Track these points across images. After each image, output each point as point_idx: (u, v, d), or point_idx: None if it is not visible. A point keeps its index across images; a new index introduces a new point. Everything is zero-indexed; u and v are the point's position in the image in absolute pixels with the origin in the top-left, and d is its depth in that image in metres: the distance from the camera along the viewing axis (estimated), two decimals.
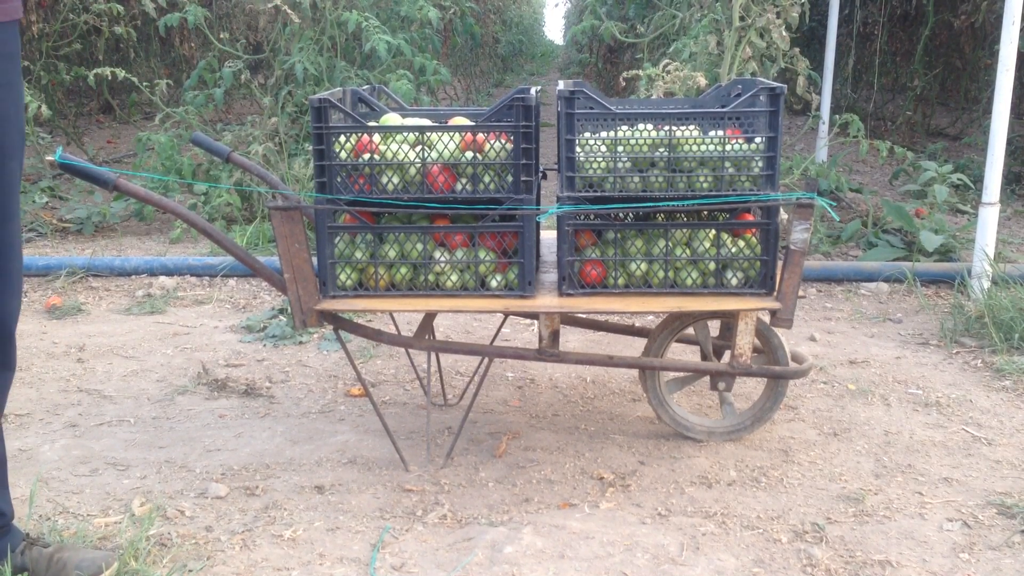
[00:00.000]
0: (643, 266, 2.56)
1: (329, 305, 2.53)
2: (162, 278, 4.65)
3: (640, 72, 4.77)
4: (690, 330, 2.92)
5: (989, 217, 3.97)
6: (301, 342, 3.79)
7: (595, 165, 2.49)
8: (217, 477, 2.66)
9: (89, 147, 7.85)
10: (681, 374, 2.92)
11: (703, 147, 2.47)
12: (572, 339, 3.79)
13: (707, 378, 2.89)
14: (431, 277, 2.55)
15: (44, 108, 5.41)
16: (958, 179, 5.52)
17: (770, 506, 2.48)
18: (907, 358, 3.59)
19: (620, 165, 2.48)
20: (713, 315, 2.73)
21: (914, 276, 4.42)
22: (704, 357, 2.84)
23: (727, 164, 2.47)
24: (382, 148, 2.49)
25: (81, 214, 5.57)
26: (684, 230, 2.56)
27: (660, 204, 2.48)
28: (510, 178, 2.47)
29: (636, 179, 2.48)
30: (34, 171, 7.02)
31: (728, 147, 2.46)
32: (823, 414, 3.07)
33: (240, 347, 3.74)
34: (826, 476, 2.65)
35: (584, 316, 3.17)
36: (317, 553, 2.27)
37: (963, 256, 4.73)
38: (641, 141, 2.47)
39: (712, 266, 2.56)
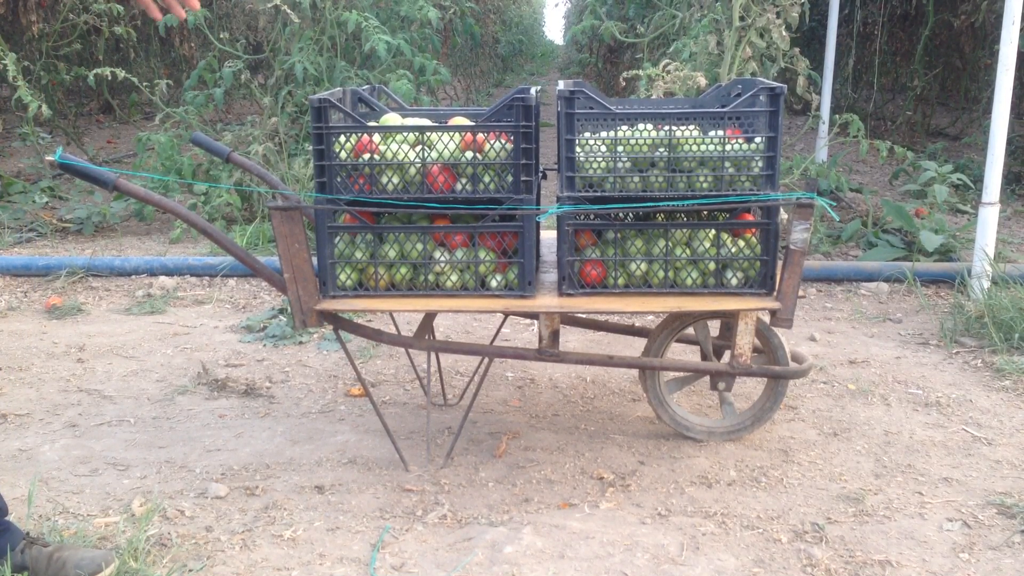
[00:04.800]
0: (643, 266, 2.56)
1: (329, 305, 2.53)
2: (162, 278, 4.65)
3: (640, 72, 4.77)
4: (690, 330, 2.92)
5: (989, 217, 3.97)
6: (301, 342, 3.79)
7: (595, 165, 2.49)
8: (217, 477, 2.66)
9: (89, 147, 7.85)
10: (681, 374, 2.92)
11: (703, 147, 2.47)
12: (572, 339, 3.79)
13: (707, 378, 2.89)
14: (431, 277, 2.55)
15: (44, 108, 5.41)
16: (958, 179, 5.52)
17: (770, 506, 2.48)
18: (907, 358, 3.59)
19: (620, 165, 2.48)
20: (713, 315, 2.73)
21: (914, 276, 4.42)
22: (704, 357, 2.84)
23: (727, 164, 2.47)
24: (382, 148, 2.49)
25: (81, 214, 5.58)
26: (684, 230, 2.56)
27: (660, 204, 2.48)
28: (510, 178, 2.47)
29: (636, 179, 2.48)
30: (34, 171, 7.03)
31: (728, 147, 2.46)
32: (823, 414, 3.07)
33: (240, 347, 3.74)
34: (826, 476, 2.65)
35: (584, 316, 3.17)
36: (317, 553, 2.27)
37: (963, 256, 4.73)
38: (641, 141, 2.47)
39: (712, 266, 2.56)
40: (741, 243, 2.56)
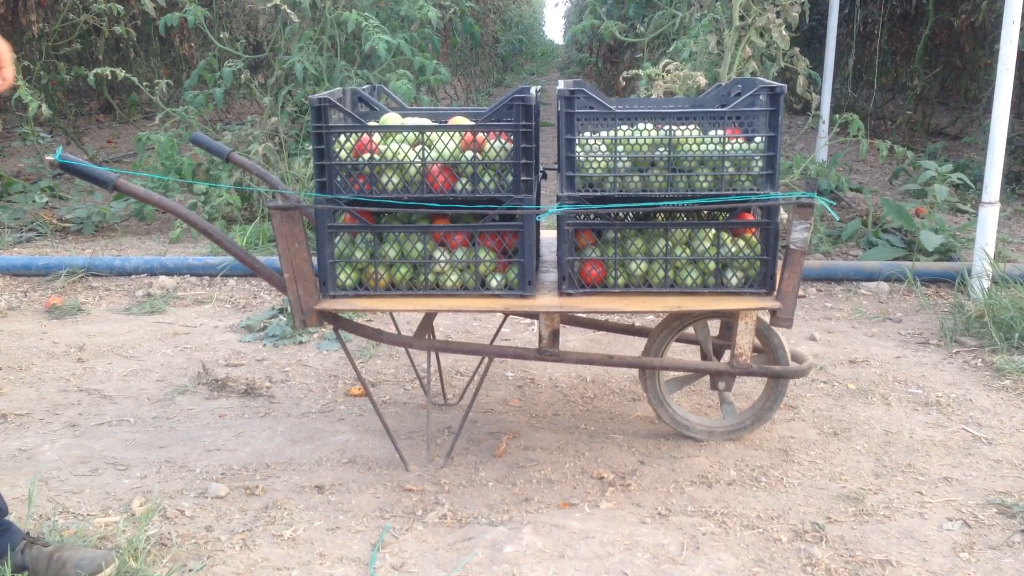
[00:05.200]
0: (643, 266, 2.56)
1: (329, 305, 2.53)
2: (162, 278, 4.65)
3: (640, 72, 4.77)
4: (690, 330, 2.92)
5: (989, 216, 3.97)
6: (301, 342, 3.79)
7: (595, 165, 2.49)
8: (217, 477, 2.66)
9: (89, 147, 7.85)
10: (681, 374, 2.92)
11: (703, 147, 2.47)
12: (572, 339, 3.79)
13: (707, 378, 2.89)
14: (431, 277, 2.55)
15: (44, 108, 5.41)
16: (958, 178, 5.52)
17: (770, 506, 2.48)
18: (907, 357, 3.59)
19: (620, 165, 2.48)
20: (713, 315, 2.73)
21: (914, 276, 4.42)
22: (704, 357, 2.84)
23: (727, 164, 2.47)
24: (382, 148, 2.49)
25: (81, 214, 5.58)
26: (684, 230, 2.56)
27: (660, 204, 2.48)
28: (510, 178, 2.47)
29: (636, 179, 2.48)
30: (34, 171, 7.03)
31: (728, 147, 2.46)
32: (823, 414, 3.07)
33: (240, 347, 3.74)
34: (826, 476, 2.65)
35: (584, 316, 3.17)
36: (317, 553, 2.27)
37: (963, 256, 4.73)
38: (641, 141, 2.47)
39: (712, 266, 2.56)
40: (741, 243, 2.56)
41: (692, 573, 2.19)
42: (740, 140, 2.48)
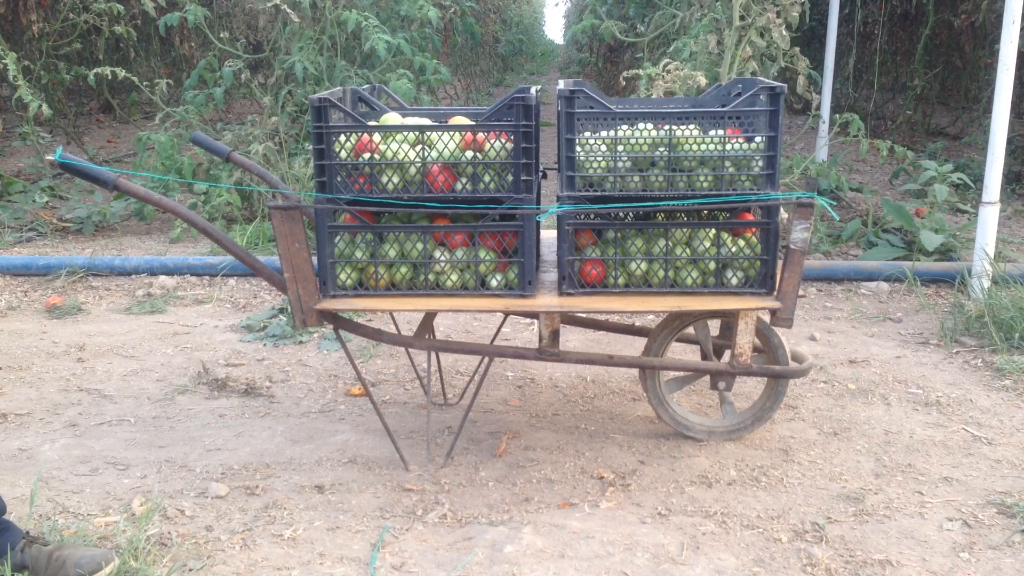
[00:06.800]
0: (643, 265, 2.56)
1: (329, 304, 2.53)
2: (162, 278, 4.65)
3: (640, 71, 4.77)
4: (690, 329, 2.92)
5: (989, 216, 3.97)
6: (301, 342, 3.79)
7: (595, 164, 2.49)
8: (217, 477, 2.66)
9: (89, 147, 7.85)
10: (681, 373, 2.92)
11: (703, 146, 2.47)
12: (572, 339, 3.79)
13: (707, 378, 2.89)
14: (431, 276, 2.55)
15: (44, 107, 5.41)
16: (958, 178, 5.52)
17: (770, 505, 2.48)
18: (907, 357, 3.59)
19: (620, 164, 2.48)
20: (713, 314, 2.73)
21: (914, 275, 4.42)
22: (704, 357, 2.84)
23: (727, 163, 2.47)
24: (382, 147, 2.49)
25: (81, 214, 5.58)
26: (684, 229, 2.56)
27: (660, 204, 2.48)
28: (510, 177, 2.47)
29: (636, 178, 2.48)
30: (34, 171, 7.03)
31: (728, 146, 2.46)
32: (823, 413, 3.07)
33: (240, 347, 3.74)
34: (826, 476, 2.65)
35: (584, 315, 3.17)
36: (317, 553, 2.27)
37: (963, 255, 4.73)
38: (641, 140, 2.47)
39: (712, 265, 2.56)
40: (741, 243, 2.56)
41: (692, 573, 2.19)
42: (740, 140, 2.48)
